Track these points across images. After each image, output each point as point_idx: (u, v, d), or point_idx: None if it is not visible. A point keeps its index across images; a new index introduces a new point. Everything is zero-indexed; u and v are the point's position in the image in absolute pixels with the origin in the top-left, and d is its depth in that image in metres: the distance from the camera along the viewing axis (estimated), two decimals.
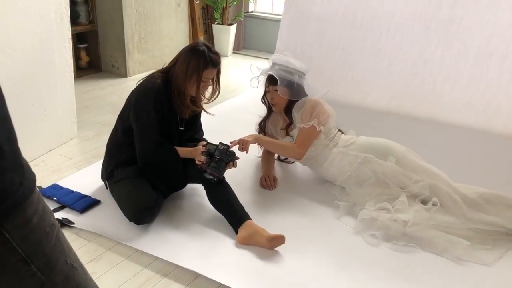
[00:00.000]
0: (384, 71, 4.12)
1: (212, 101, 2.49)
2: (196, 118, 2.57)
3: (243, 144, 2.43)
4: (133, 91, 2.41)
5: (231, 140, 2.43)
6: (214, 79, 2.42)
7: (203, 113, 2.56)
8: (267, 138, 2.68)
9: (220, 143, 2.36)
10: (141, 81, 2.39)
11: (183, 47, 2.46)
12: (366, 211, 2.38)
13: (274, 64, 2.68)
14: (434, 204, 2.35)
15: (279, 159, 2.99)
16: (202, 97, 2.48)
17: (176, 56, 2.39)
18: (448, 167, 2.59)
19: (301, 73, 2.67)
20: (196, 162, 2.34)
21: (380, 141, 2.62)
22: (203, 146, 2.38)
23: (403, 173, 2.45)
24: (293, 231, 2.29)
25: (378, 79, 4.13)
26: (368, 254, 2.17)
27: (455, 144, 3.36)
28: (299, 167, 2.92)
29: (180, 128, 2.48)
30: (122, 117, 2.44)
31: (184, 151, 2.39)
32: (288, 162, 2.99)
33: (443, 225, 2.27)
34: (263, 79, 2.74)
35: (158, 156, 2.35)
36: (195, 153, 2.34)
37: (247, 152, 2.46)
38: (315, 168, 2.70)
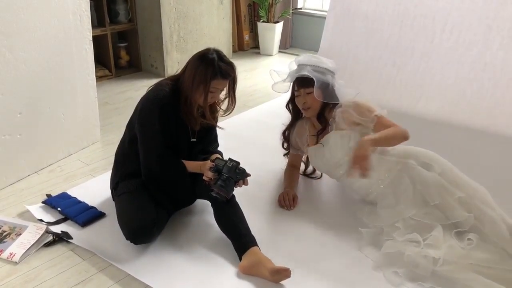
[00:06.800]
0: (437, 75, 3.70)
1: (228, 114, 2.30)
2: (210, 128, 2.37)
3: (362, 163, 2.09)
4: (140, 99, 2.26)
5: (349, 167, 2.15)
6: (229, 91, 2.22)
7: (230, 119, 2.34)
8: (373, 136, 2.19)
9: (230, 159, 2.14)
10: (149, 88, 2.24)
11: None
12: (392, 242, 2.07)
13: (302, 65, 2.40)
14: (470, 239, 1.99)
15: (304, 173, 2.72)
16: (218, 108, 2.30)
17: (186, 62, 2.21)
18: (508, 188, 2.20)
19: (332, 73, 2.37)
20: (204, 178, 2.15)
21: (422, 150, 2.29)
22: (212, 161, 2.18)
23: (445, 187, 2.10)
24: (305, 261, 2.04)
25: (429, 84, 3.72)
26: None
27: None
28: (325, 185, 2.64)
29: (192, 140, 2.30)
30: (130, 126, 2.30)
31: (192, 165, 2.21)
32: (314, 177, 2.71)
33: (482, 264, 1.91)
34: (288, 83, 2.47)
35: (162, 169, 2.18)
36: (204, 168, 2.15)
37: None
38: (347, 180, 2.37)
